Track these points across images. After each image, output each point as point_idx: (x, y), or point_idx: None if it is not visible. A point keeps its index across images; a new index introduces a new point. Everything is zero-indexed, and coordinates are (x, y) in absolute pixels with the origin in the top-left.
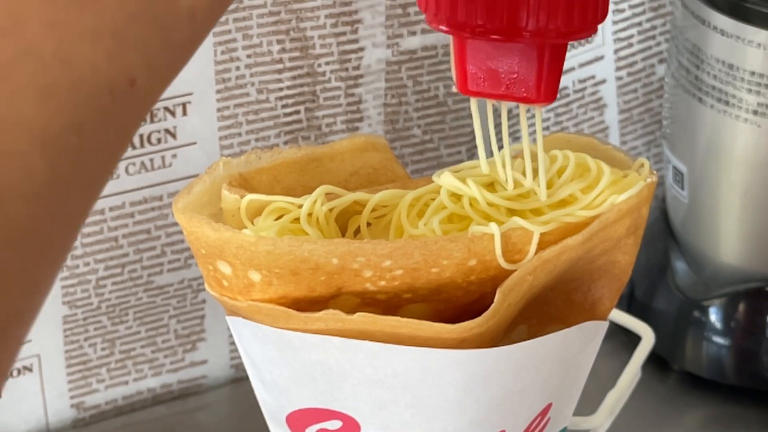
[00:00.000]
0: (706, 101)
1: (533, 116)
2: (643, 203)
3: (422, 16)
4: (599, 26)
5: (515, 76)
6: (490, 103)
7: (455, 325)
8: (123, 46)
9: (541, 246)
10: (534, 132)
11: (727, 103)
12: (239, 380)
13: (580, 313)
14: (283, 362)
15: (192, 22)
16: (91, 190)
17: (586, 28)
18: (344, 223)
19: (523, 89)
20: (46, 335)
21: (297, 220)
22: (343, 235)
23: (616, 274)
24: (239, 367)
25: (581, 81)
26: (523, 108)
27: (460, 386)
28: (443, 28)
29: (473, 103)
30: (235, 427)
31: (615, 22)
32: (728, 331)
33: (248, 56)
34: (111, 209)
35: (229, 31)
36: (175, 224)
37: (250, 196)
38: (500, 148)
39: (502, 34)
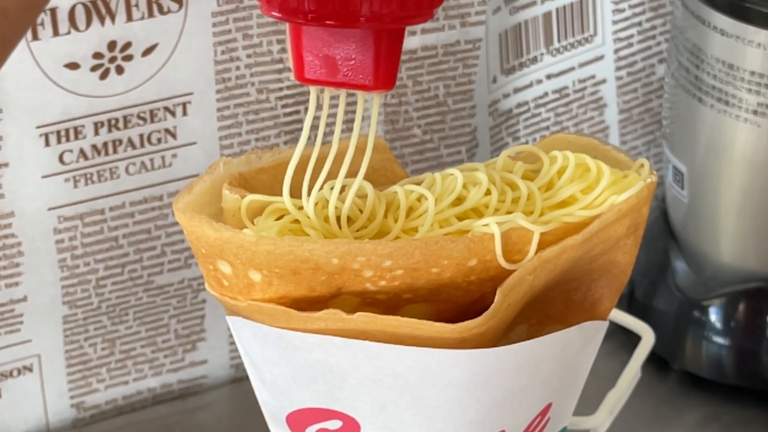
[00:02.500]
0: (706, 101)
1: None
2: (643, 203)
3: None
4: (600, 28)
5: (352, 62)
6: (328, 91)
7: (455, 325)
8: None
9: (541, 246)
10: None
11: (727, 103)
12: (239, 380)
13: (579, 313)
14: (283, 362)
15: (3, 19)
16: None
17: (422, 13)
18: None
19: (361, 76)
20: (46, 335)
21: (297, 220)
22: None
23: (616, 273)
24: (239, 367)
25: (581, 81)
26: (361, 96)
27: (461, 386)
28: (276, 14)
29: (312, 91)
30: (235, 427)
31: (615, 22)
32: (728, 330)
33: (248, 56)
34: (111, 209)
35: (230, 31)
36: (176, 224)
37: (251, 197)
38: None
39: (337, 19)
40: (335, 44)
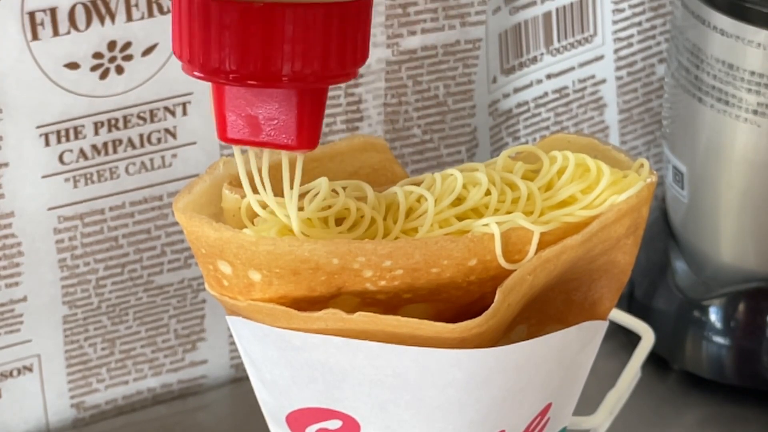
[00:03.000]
0: (706, 101)
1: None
2: (642, 203)
3: (422, 16)
4: (600, 28)
5: (275, 122)
6: (252, 150)
7: (455, 325)
8: None
9: (541, 246)
10: None
11: (727, 102)
12: (239, 380)
13: (579, 313)
14: (283, 362)
15: None
16: None
17: (344, 72)
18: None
19: (284, 135)
20: (46, 335)
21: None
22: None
23: (615, 273)
24: (239, 366)
25: (581, 81)
26: (285, 155)
27: (460, 386)
28: (198, 74)
29: (236, 150)
30: (235, 427)
31: (615, 22)
32: (728, 330)
33: None
34: (111, 209)
35: None
36: (176, 224)
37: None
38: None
39: (259, 79)
40: (258, 104)
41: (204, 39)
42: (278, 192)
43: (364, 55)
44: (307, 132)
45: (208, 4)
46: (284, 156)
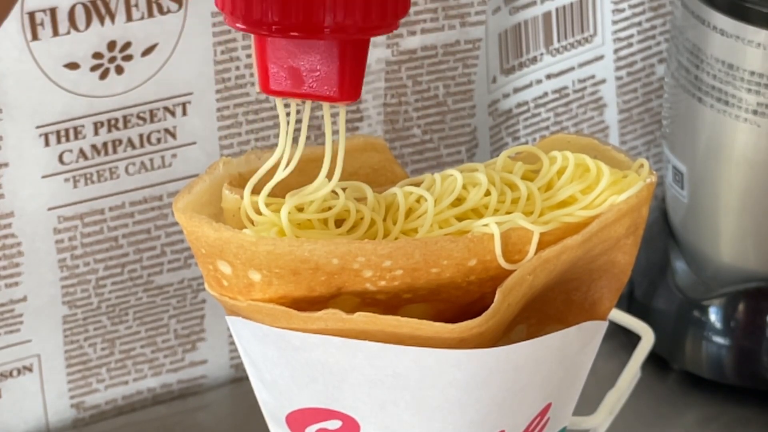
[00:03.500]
0: (705, 101)
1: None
2: (642, 203)
3: (422, 16)
4: (599, 28)
5: (317, 74)
6: (294, 102)
7: (455, 325)
8: None
9: (541, 246)
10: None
11: (726, 102)
12: (239, 380)
13: (579, 313)
14: (283, 362)
15: None
16: None
17: (386, 24)
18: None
19: (326, 87)
20: (45, 335)
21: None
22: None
23: (615, 273)
24: (239, 366)
25: (581, 81)
26: (326, 107)
27: (460, 386)
28: (240, 26)
29: (278, 103)
30: (235, 427)
31: (615, 22)
32: (728, 330)
33: (248, 56)
34: (111, 209)
35: (229, 31)
36: (175, 224)
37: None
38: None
39: (301, 30)
40: (300, 55)
41: None
42: (281, 194)
43: (405, 7)
44: (349, 83)
45: None
46: (325, 107)
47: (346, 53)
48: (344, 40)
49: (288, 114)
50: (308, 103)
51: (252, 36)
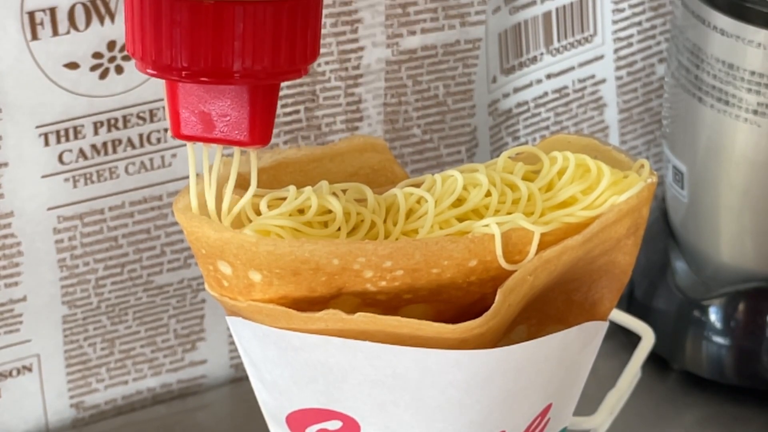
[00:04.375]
0: (706, 101)
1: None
2: (643, 204)
3: (422, 16)
4: (599, 28)
5: (228, 118)
6: (205, 147)
7: (456, 325)
8: None
9: (542, 246)
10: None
11: (727, 102)
12: (239, 380)
13: (580, 314)
14: (283, 362)
15: None
16: None
17: (294, 69)
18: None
19: (236, 132)
20: (45, 335)
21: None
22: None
23: (616, 274)
24: (239, 366)
25: (581, 80)
26: (237, 150)
27: (461, 387)
28: (150, 71)
29: (189, 147)
30: (235, 427)
31: (615, 22)
32: (728, 330)
33: None
34: (110, 209)
35: None
36: (175, 224)
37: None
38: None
39: (211, 76)
40: (211, 100)
41: (155, 36)
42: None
43: (314, 52)
44: (260, 128)
45: (159, 2)
46: (236, 151)
47: (257, 98)
48: (254, 86)
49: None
50: (219, 149)
51: (163, 82)
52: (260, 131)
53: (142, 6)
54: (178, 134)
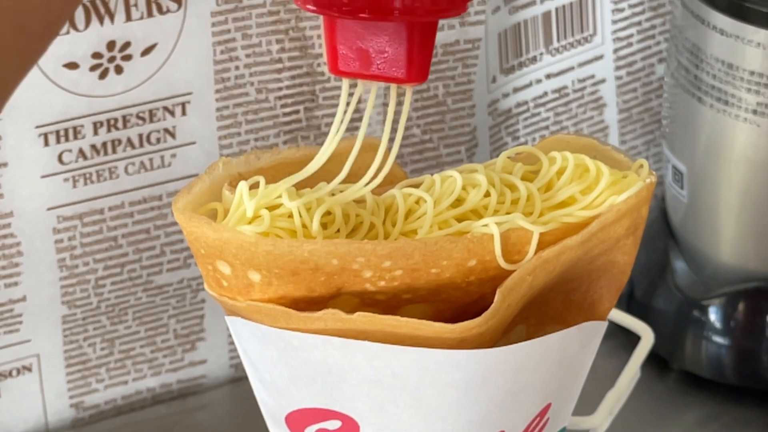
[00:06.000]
0: (705, 101)
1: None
2: (642, 203)
3: None
4: (599, 28)
5: (386, 55)
6: (361, 83)
7: (455, 325)
8: None
9: (541, 246)
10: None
11: (726, 102)
12: (239, 380)
13: (579, 314)
14: (282, 362)
15: (47, 10)
16: None
17: (454, 6)
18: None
19: (394, 69)
20: (45, 335)
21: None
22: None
23: (615, 274)
24: (239, 366)
25: (580, 80)
26: (393, 88)
27: (460, 387)
28: (311, 7)
29: (344, 83)
30: (235, 427)
31: (614, 22)
32: (728, 330)
33: (247, 56)
34: (110, 209)
35: (229, 31)
36: (175, 224)
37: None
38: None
39: (371, 12)
40: (368, 37)
41: None
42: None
43: None
44: (417, 65)
45: None
46: (392, 88)
47: (415, 35)
48: (413, 22)
49: (351, 96)
50: (374, 87)
51: (321, 18)
52: (417, 68)
53: None
54: (335, 70)
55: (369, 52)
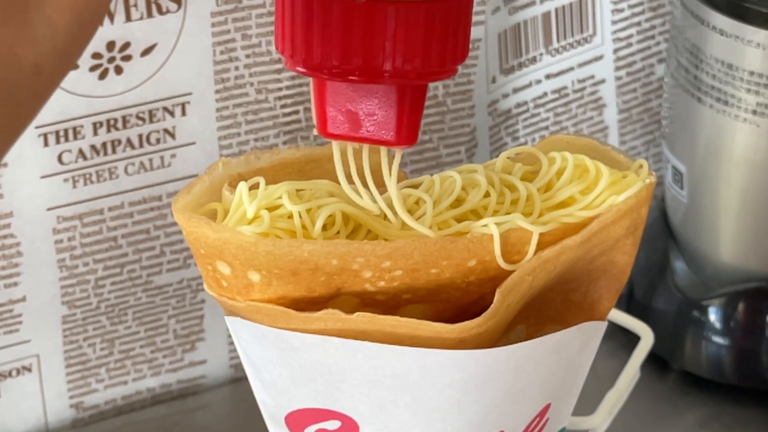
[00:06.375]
0: (705, 101)
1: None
2: (641, 204)
3: None
4: (599, 28)
5: (375, 118)
6: (351, 146)
7: (455, 325)
8: None
9: (540, 246)
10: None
11: (726, 102)
12: (238, 380)
13: (578, 314)
14: (282, 362)
15: (37, 78)
16: None
17: (444, 69)
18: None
19: (383, 131)
20: (45, 335)
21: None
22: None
23: (615, 274)
24: (238, 367)
25: (580, 81)
26: (384, 150)
27: (460, 387)
28: (300, 69)
29: (335, 146)
30: (235, 427)
31: (614, 22)
32: (728, 330)
33: (247, 56)
34: (110, 209)
35: (228, 31)
36: (174, 224)
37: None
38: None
39: (361, 75)
40: (358, 99)
41: (306, 35)
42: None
43: (464, 52)
44: (407, 128)
45: (311, 1)
46: (382, 150)
47: (405, 98)
48: (403, 86)
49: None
50: (365, 148)
51: (311, 80)
52: (407, 131)
53: (293, 5)
54: (324, 133)
55: (358, 115)
